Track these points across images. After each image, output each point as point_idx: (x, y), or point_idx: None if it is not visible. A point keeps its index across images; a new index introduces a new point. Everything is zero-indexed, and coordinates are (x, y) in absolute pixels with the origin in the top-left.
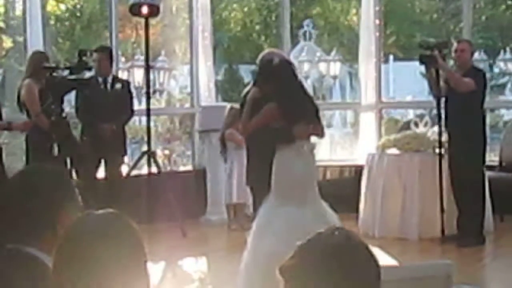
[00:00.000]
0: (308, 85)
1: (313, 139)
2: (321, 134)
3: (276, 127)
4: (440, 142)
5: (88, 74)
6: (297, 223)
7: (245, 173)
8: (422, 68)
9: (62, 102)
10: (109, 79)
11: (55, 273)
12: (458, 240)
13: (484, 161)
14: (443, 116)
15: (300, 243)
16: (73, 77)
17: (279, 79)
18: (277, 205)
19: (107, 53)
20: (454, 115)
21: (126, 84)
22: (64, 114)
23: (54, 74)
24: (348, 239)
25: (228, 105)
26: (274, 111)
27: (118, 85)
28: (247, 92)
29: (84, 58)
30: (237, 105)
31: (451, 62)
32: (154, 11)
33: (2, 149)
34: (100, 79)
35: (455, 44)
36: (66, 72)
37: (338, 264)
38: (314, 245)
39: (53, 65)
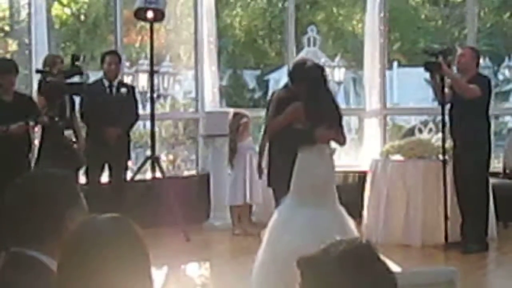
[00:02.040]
0: None
1: (333, 145)
2: (342, 142)
3: (299, 127)
4: (444, 149)
5: (80, 79)
6: (317, 223)
7: (266, 174)
8: (427, 75)
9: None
10: (115, 83)
11: (59, 277)
12: (462, 247)
13: (488, 168)
14: (447, 122)
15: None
16: (67, 81)
17: (309, 80)
18: (295, 205)
19: (117, 57)
20: (458, 122)
21: (131, 89)
22: (57, 118)
23: (48, 78)
24: (369, 248)
25: (232, 110)
26: (299, 110)
27: (123, 90)
28: (273, 93)
29: (77, 63)
30: (241, 111)
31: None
32: (159, 15)
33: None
34: (106, 83)
35: (459, 51)
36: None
37: (354, 266)
38: (335, 245)
39: (47, 69)
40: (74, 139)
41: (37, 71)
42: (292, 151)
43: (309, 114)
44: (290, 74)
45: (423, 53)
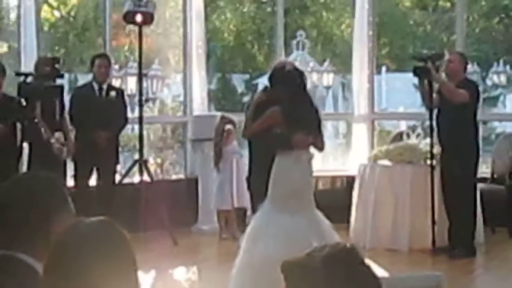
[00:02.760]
0: None
1: (312, 150)
2: (320, 147)
3: (277, 132)
4: (431, 154)
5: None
6: (292, 230)
7: (246, 178)
8: (415, 80)
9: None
10: (104, 87)
11: (45, 279)
12: (449, 252)
13: (476, 173)
14: (435, 128)
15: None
16: (46, 84)
17: (288, 85)
18: (272, 211)
19: (107, 60)
20: (446, 127)
21: (120, 92)
22: (36, 120)
23: (28, 81)
24: (353, 252)
25: (220, 114)
26: (277, 115)
27: (112, 93)
28: (253, 96)
29: (56, 65)
30: (228, 115)
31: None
32: (148, 19)
33: None
34: (96, 87)
35: (447, 56)
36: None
37: (338, 270)
38: (319, 249)
39: (27, 71)
40: (63, 141)
41: (16, 74)
42: (271, 155)
43: (287, 119)
44: (270, 78)
45: (411, 59)
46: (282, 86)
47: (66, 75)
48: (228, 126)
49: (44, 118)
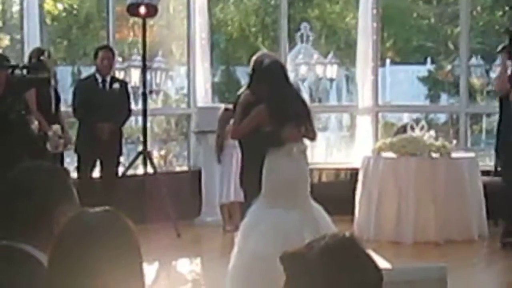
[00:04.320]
0: (304, 87)
1: (306, 141)
2: (312, 137)
3: (267, 130)
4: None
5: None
6: (284, 225)
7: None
8: (419, 72)
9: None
10: (108, 79)
11: (49, 270)
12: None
13: None
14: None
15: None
16: (31, 76)
17: (269, 80)
18: (265, 206)
19: (111, 52)
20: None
21: (124, 84)
22: (23, 112)
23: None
24: (352, 241)
25: (223, 106)
26: (263, 113)
27: (116, 85)
28: (241, 94)
29: (42, 58)
30: (231, 106)
31: None
32: (152, 11)
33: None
34: (99, 79)
35: None
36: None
37: (338, 260)
38: (318, 240)
39: (14, 64)
40: (60, 133)
41: (4, 66)
42: (261, 154)
43: (273, 115)
44: (251, 76)
45: (505, 33)
46: (263, 82)
47: (69, 68)
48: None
49: (41, 111)
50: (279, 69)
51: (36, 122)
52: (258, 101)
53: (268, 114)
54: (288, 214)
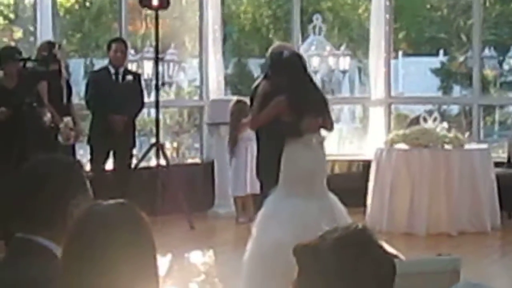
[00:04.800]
0: (317, 79)
1: (323, 132)
2: (330, 128)
3: (286, 120)
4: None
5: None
6: (302, 215)
7: (255, 166)
8: (432, 64)
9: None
10: (121, 71)
11: (63, 262)
12: None
13: None
14: None
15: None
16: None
17: (289, 72)
18: (283, 196)
19: (124, 44)
20: None
21: (137, 76)
22: (35, 104)
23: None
24: (365, 232)
25: (234, 98)
26: (282, 104)
27: (129, 77)
28: (257, 85)
29: (53, 50)
30: (243, 98)
31: None
32: (164, 3)
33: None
34: (112, 71)
35: None
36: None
37: (351, 251)
38: (331, 232)
39: (26, 56)
40: (72, 126)
41: (16, 59)
42: (280, 144)
43: (294, 106)
44: (270, 67)
45: None
46: (283, 73)
47: (82, 60)
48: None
49: (52, 103)
50: (299, 61)
51: (49, 114)
52: (277, 92)
53: (288, 104)
54: (306, 203)
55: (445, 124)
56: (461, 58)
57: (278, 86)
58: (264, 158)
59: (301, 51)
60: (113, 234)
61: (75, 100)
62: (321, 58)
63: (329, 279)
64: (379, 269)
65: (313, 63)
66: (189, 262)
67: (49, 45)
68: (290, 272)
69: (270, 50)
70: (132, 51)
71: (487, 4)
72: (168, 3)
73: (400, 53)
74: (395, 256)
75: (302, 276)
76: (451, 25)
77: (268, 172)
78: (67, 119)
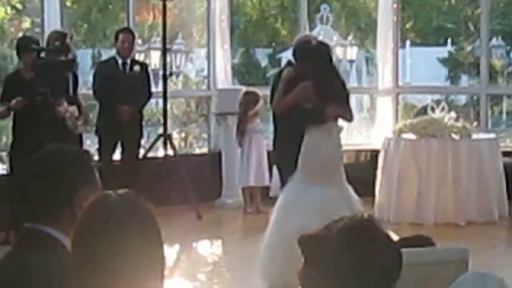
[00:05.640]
0: None
1: (340, 123)
2: (350, 118)
3: (308, 107)
4: None
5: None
6: (324, 202)
7: (269, 153)
8: (439, 54)
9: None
10: (128, 62)
11: (72, 253)
12: None
13: None
14: None
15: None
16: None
17: (316, 60)
18: (303, 183)
19: (131, 35)
20: None
21: (144, 67)
22: (49, 95)
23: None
24: (370, 222)
25: (243, 89)
26: (308, 90)
27: (136, 68)
28: (280, 72)
29: (67, 41)
30: (252, 89)
31: None
32: None
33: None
34: (119, 61)
35: None
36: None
37: (356, 241)
38: (336, 222)
39: (41, 47)
40: (77, 115)
41: (32, 49)
42: (300, 130)
43: (319, 93)
44: (295, 54)
45: None
46: (310, 61)
47: (89, 50)
48: (254, 110)
49: (57, 93)
50: (326, 50)
51: (65, 104)
52: (301, 79)
53: (313, 91)
54: (326, 192)
55: (452, 114)
56: (469, 48)
57: (303, 73)
58: (282, 144)
59: None
60: (121, 225)
61: (82, 90)
62: None
63: (335, 269)
64: (385, 258)
65: None
66: (197, 252)
67: (63, 35)
68: None
69: (296, 39)
70: (139, 41)
71: None
72: None
73: (407, 42)
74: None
75: (308, 266)
76: (458, 15)
77: (287, 159)
78: (72, 108)
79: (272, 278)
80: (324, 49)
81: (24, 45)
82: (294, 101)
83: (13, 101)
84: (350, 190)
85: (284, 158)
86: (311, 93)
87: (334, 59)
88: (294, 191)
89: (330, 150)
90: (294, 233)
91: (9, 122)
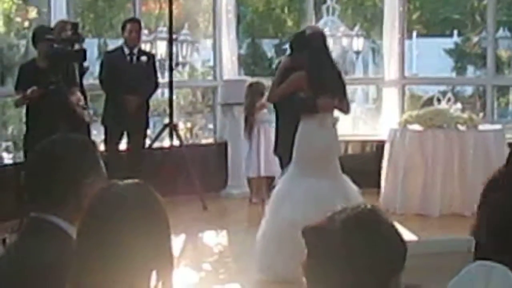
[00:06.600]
0: None
1: (337, 114)
2: (346, 110)
3: (302, 96)
4: None
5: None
6: (316, 194)
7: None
8: (446, 45)
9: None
10: (135, 52)
11: (78, 242)
12: None
13: None
14: None
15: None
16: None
17: (310, 49)
18: (297, 175)
19: (138, 24)
20: None
21: (151, 57)
22: (62, 84)
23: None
24: (373, 212)
25: (249, 80)
26: (301, 79)
27: (143, 58)
28: (279, 62)
29: (77, 30)
30: (257, 80)
31: None
32: None
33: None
34: (126, 51)
35: None
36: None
37: (359, 231)
38: (339, 213)
39: (51, 37)
40: (83, 104)
41: (45, 39)
42: (296, 119)
43: (311, 83)
44: (291, 43)
45: None
46: (304, 50)
47: (95, 40)
48: (261, 101)
49: (69, 82)
50: (321, 39)
51: (78, 94)
52: (297, 68)
53: (307, 80)
54: (320, 183)
55: (459, 105)
56: (475, 39)
57: (298, 62)
58: (282, 134)
59: None
60: (129, 214)
61: (89, 80)
62: (334, 39)
63: (338, 260)
64: (389, 248)
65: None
66: (202, 242)
67: (72, 25)
68: (300, 252)
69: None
70: (145, 32)
71: None
72: None
73: (414, 33)
74: None
75: (312, 258)
76: (465, 6)
77: (286, 148)
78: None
79: (266, 270)
80: (320, 39)
81: (40, 34)
82: (287, 90)
83: (29, 90)
84: (347, 180)
85: (283, 147)
86: (305, 82)
87: (339, 50)
88: (288, 183)
89: (323, 140)
90: (286, 225)
91: (17, 112)
